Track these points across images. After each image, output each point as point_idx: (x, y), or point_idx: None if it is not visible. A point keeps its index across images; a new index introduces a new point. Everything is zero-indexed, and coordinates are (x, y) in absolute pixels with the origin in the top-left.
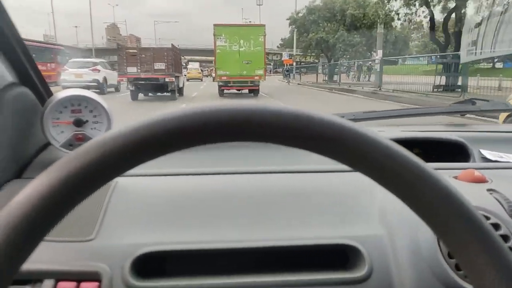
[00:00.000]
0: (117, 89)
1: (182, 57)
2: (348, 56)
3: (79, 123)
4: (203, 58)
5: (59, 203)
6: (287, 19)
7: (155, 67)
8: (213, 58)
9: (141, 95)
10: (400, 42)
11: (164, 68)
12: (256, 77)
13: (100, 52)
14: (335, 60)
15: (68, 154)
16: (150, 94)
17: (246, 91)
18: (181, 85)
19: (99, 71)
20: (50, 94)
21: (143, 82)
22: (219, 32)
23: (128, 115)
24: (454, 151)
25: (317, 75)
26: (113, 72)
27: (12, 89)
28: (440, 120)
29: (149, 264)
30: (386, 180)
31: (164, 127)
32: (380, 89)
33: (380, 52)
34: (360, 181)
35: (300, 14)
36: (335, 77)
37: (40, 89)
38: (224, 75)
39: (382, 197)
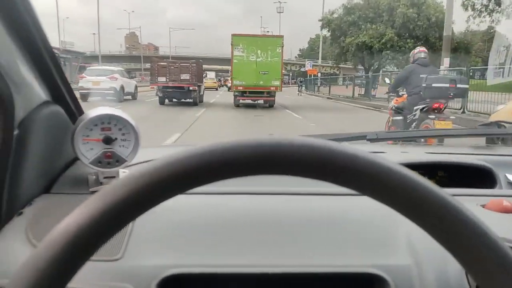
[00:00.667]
0: (133, 97)
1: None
2: (393, 66)
3: (108, 140)
4: (219, 67)
5: (99, 233)
6: (319, 20)
7: (181, 77)
8: (228, 67)
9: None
10: (462, 49)
11: (188, 78)
12: (272, 88)
13: (118, 59)
14: (374, 71)
15: (107, 185)
16: (174, 100)
17: (261, 101)
18: (201, 93)
19: (116, 79)
20: (81, 112)
21: (170, 90)
22: (236, 42)
23: (158, 115)
24: (480, 175)
25: (353, 89)
26: (130, 80)
27: (46, 107)
28: (463, 142)
29: (175, 285)
30: (411, 213)
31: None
32: (464, 111)
33: (447, 61)
34: (385, 206)
35: (335, 15)
36: (373, 91)
37: (72, 107)
38: (240, 85)
39: (409, 225)
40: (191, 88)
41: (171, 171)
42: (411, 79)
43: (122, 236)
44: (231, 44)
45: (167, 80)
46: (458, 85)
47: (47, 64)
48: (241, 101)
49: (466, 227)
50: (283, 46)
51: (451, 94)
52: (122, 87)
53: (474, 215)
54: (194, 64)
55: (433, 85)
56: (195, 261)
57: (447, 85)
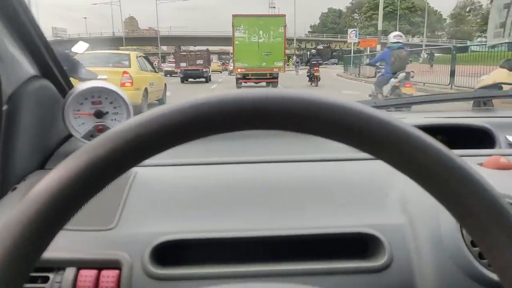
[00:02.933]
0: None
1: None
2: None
3: (99, 114)
4: (221, 48)
5: (77, 193)
6: None
7: (197, 62)
8: (230, 48)
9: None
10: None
11: (202, 62)
12: (275, 69)
13: (116, 42)
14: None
15: (85, 144)
16: (191, 79)
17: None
18: (210, 74)
19: None
20: (70, 86)
21: (189, 71)
22: (238, 23)
23: (183, 89)
24: (480, 138)
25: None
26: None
27: (34, 82)
28: (464, 106)
29: (168, 252)
30: (406, 166)
31: (191, 114)
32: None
33: None
34: (379, 169)
35: None
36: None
37: (61, 81)
38: (243, 67)
39: (403, 186)
40: (204, 70)
41: (149, 128)
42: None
43: (115, 207)
44: (232, 26)
45: (187, 64)
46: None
47: (33, 38)
48: (243, 83)
49: (462, 180)
50: (285, 26)
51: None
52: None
53: (472, 168)
54: (205, 53)
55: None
56: (188, 228)
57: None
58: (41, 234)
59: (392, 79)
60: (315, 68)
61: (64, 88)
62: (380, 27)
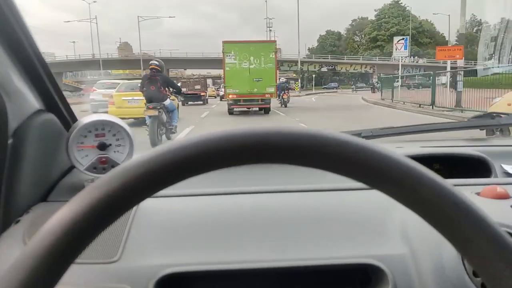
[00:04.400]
0: None
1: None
2: None
3: (102, 146)
4: (215, 72)
5: (89, 227)
6: None
7: (195, 87)
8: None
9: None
10: None
11: (200, 87)
12: (267, 95)
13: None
14: None
15: (97, 180)
16: (190, 102)
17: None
18: (207, 97)
19: None
20: (74, 119)
21: (189, 96)
22: (228, 49)
23: (185, 111)
24: (475, 167)
25: None
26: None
27: (39, 116)
28: (459, 136)
29: (173, 285)
30: (406, 198)
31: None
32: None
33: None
34: (378, 199)
35: None
36: None
37: (65, 114)
38: (234, 93)
39: (403, 215)
40: (201, 94)
41: (156, 165)
42: None
43: (118, 239)
44: (223, 52)
45: (187, 89)
46: None
47: (39, 73)
48: (235, 109)
49: (460, 212)
50: (276, 52)
51: None
52: None
53: (469, 199)
54: (203, 79)
55: None
56: (192, 260)
57: None
58: (55, 267)
59: None
60: (284, 94)
61: (68, 121)
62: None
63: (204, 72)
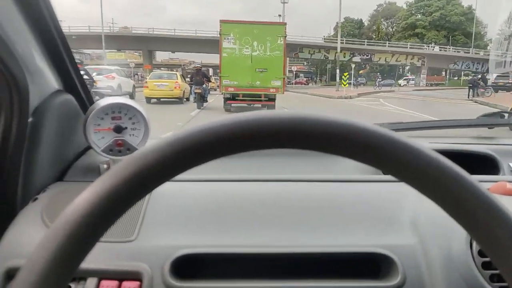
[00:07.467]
0: (131, 96)
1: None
2: None
3: (119, 129)
4: (214, 62)
5: (114, 209)
6: None
7: (197, 77)
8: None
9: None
10: None
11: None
12: (272, 90)
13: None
14: None
15: (119, 163)
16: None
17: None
18: (209, 86)
19: (114, 78)
20: (91, 101)
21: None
22: (226, 30)
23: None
24: (484, 164)
25: None
26: (129, 80)
27: (58, 96)
28: (467, 133)
29: (186, 265)
30: (429, 189)
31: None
32: None
33: None
34: (389, 191)
35: None
36: None
37: (83, 96)
38: (231, 85)
39: (413, 207)
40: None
41: (178, 148)
42: None
43: (135, 219)
44: (220, 34)
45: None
46: None
47: (61, 53)
48: (232, 105)
49: (483, 205)
50: (285, 37)
51: None
52: (119, 86)
53: (492, 195)
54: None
55: None
56: (205, 242)
57: None
58: (79, 247)
59: None
60: None
61: (85, 102)
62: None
63: (197, 57)
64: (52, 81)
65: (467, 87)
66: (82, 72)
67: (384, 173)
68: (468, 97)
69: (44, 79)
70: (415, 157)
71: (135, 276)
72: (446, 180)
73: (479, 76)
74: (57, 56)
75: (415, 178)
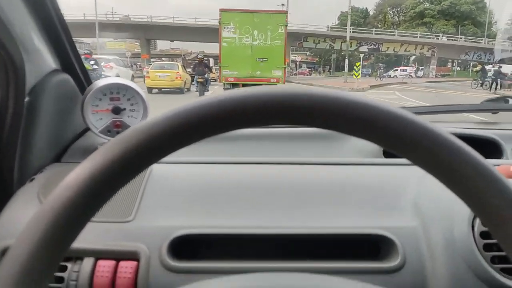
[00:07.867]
0: None
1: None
2: None
3: (117, 110)
4: (215, 53)
5: (106, 186)
6: None
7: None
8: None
9: None
10: None
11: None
12: (272, 80)
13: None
14: None
15: (112, 139)
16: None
17: None
18: (210, 78)
19: (111, 67)
20: (89, 82)
21: (193, 76)
22: (226, 19)
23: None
24: (487, 149)
25: None
26: (127, 70)
27: (55, 75)
28: (471, 118)
29: (184, 246)
30: (439, 170)
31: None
32: None
33: None
34: (391, 174)
35: None
36: None
37: (81, 76)
38: (231, 75)
39: (415, 190)
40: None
41: (172, 124)
42: None
43: (133, 200)
44: (219, 23)
45: (192, 70)
46: None
47: (59, 33)
48: None
49: (495, 187)
50: (287, 25)
51: None
52: (117, 76)
53: (496, 169)
54: (207, 60)
55: None
56: (203, 223)
57: None
58: (73, 223)
59: None
60: None
61: (83, 83)
62: None
63: (199, 46)
64: (49, 60)
65: (477, 78)
66: (92, 62)
67: (386, 156)
68: (490, 90)
69: (41, 58)
70: (422, 134)
71: (132, 256)
72: (444, 151)
73: (500, 66)
74: (55, 35)
75: (422, 159)
